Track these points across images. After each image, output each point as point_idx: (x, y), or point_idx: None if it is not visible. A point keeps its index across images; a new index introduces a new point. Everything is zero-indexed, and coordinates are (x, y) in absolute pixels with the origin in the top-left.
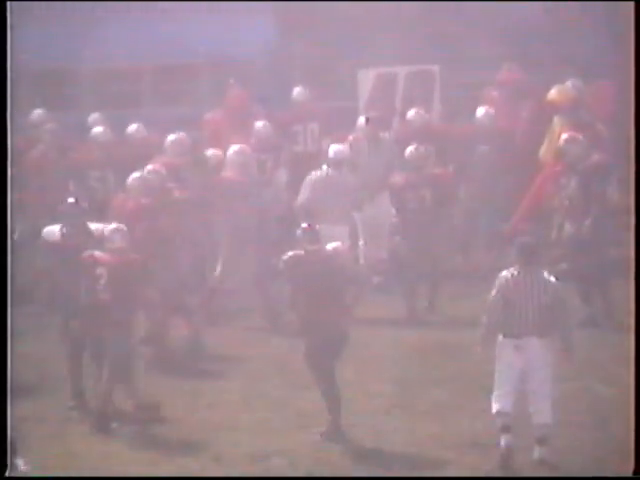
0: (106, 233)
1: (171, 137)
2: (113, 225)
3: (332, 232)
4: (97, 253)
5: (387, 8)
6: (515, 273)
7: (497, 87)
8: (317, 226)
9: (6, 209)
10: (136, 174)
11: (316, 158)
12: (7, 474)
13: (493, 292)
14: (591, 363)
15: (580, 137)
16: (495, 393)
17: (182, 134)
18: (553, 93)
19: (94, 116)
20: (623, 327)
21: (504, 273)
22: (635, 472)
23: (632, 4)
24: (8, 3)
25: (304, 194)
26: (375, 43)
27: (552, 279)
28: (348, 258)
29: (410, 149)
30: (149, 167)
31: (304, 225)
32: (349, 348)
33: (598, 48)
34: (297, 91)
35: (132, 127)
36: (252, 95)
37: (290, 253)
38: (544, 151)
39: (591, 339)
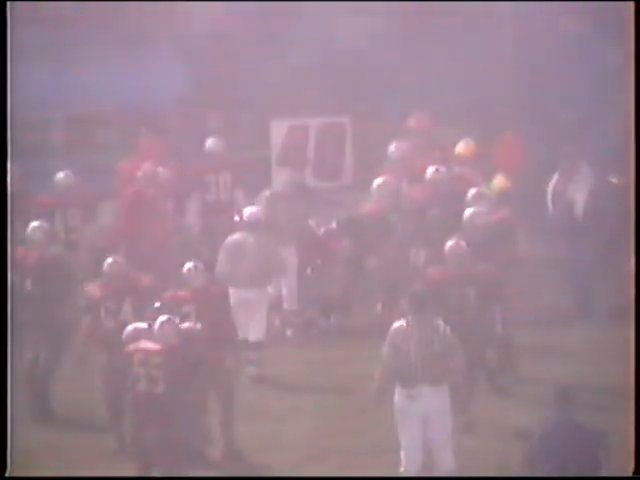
0: (185, 272)
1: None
2: (189, 264)
3: (250, 297)
4: (181, 294)
5: (300, 60)
6: (405, 323)
7: (408, 136)
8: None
9: (6, 209)
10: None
11: (229, 208)
12: (7, 474)
13: (385, 344)
14: (499, 412)
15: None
16: (403, 452)
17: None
18: (459, 147)
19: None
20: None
21: (396, 324)
22: (635, 472)
23: (632, 4)
24: (8, 3)
25: (221, 260)
26: (288, 94)
27: (443, 328)
28: (197, 338)
29: (450, 244)
30: None
31: (157, 305)
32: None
33: (504, 99)
34: (210, 141)
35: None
36: (165, 144)
37: (131, 328)
38: None
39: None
